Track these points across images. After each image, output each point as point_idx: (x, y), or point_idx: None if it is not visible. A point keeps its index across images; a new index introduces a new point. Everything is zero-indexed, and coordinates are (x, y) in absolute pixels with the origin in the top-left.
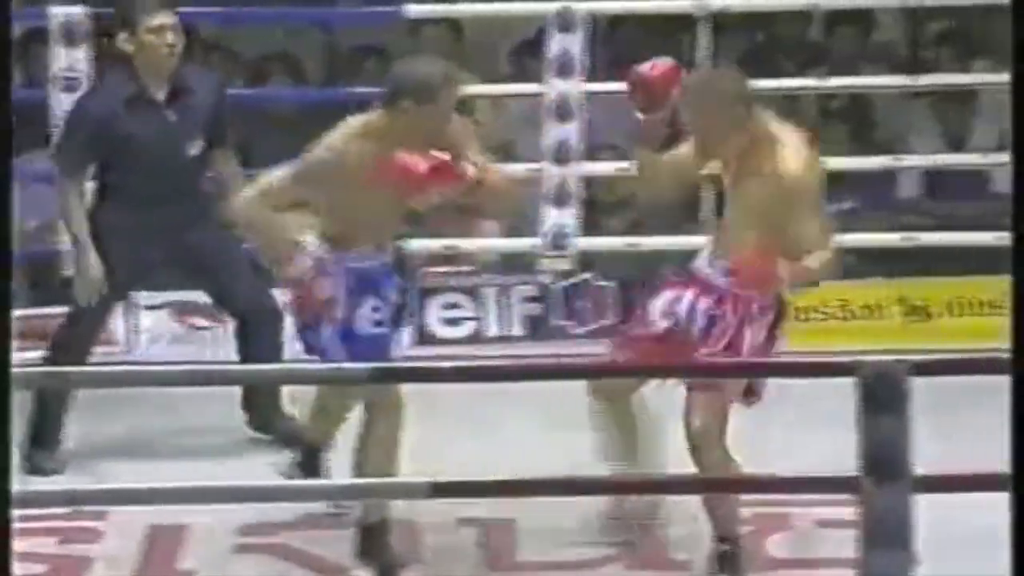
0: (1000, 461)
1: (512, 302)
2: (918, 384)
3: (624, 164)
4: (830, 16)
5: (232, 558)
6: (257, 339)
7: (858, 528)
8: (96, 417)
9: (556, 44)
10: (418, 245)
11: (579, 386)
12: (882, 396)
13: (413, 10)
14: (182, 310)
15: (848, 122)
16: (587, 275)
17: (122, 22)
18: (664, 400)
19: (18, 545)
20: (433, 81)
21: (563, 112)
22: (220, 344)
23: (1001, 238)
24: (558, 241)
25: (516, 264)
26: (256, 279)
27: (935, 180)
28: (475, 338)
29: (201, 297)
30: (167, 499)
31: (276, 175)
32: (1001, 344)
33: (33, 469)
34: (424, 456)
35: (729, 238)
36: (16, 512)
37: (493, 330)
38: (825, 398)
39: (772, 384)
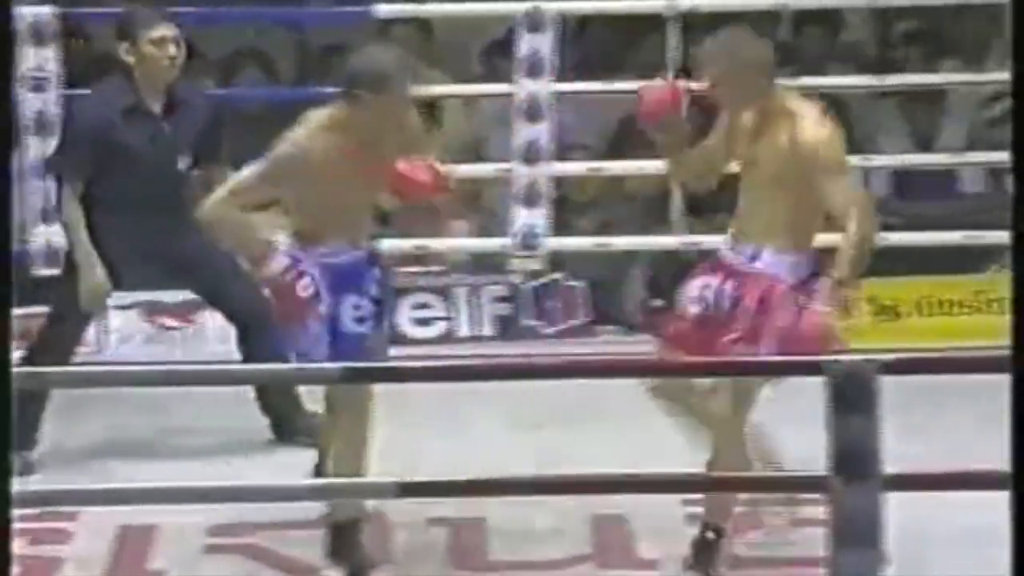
0: (970, 459)
1: (482, 302)
2: (888, 383)
3: (595, 164)
4: (798, 16)
5: (202, 558)
6: (258, 340)
7: (828, 527)
8: (72, 417)
9: (526, 44)
10: (388, 245)
11: (548, 386)
12: (851, 395)
13: (383, 10)
14: (152, 310)
15: None
16: (557, 275)
17: (123, 33)
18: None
19: None
20: (388, 70)
21: (533, 112)
22: (190, 344)
23: (970, 237)
24: (528, 241)
25: (486, 264)
26: (248, 281)
27: (903, 180)
28: (446, 338)
29: (170, 297)
30: (164, 499)
31: (243, 175)
32: (970, 343)
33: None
34: (394, 456)
35: (750, 219)
36: None
37: (464, 330)
38: (795, 397)
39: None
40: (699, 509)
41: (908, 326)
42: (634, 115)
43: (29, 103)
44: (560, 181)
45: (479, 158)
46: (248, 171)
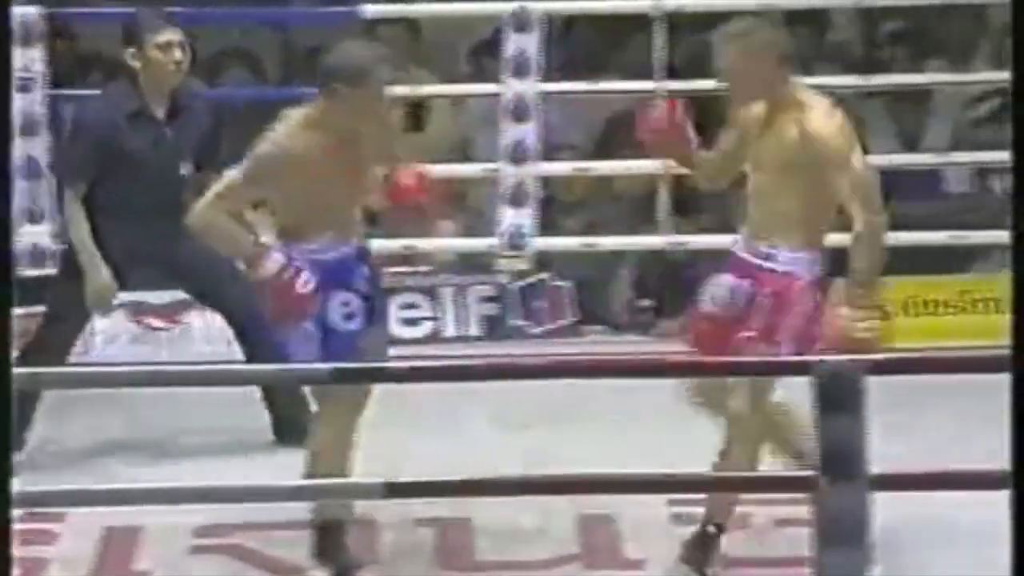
0: (954, 459)
1: (469, 302)
2: (874, 383)
3: (581, 164)
4: (785, 16)
5: (188, 559)
6: (258, 341)
7: (814, 527)
8: (56, 418)
9: (512, 44)
10: (376, 245)
11: (535, 386)
12: (837, 395)
13: (369, 10)
14: (137, 311)
15: None
16: (544, 275)
17: (129, 37)
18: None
19: None
20: (363, 64)
21: (519, 112)
22: (176, 345)
23: (955, 237)
24: (515, 241)
25: (473, 264)
26: (247, 283)
27: (889, 180)
28: (433, 338)
29: (156, 298)
30: (149, 500)
31: (228, 178)
32: (955, 343)
33: None
34: (381, 456)
35: (762, 216)
36: None
37: (450, 330)
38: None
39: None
40: (686, 509)
41: (895, 326)
42: (621, 115)
43: (15, 103)
44: (547, 181)
45: (466, 158)
46: (232, 174)
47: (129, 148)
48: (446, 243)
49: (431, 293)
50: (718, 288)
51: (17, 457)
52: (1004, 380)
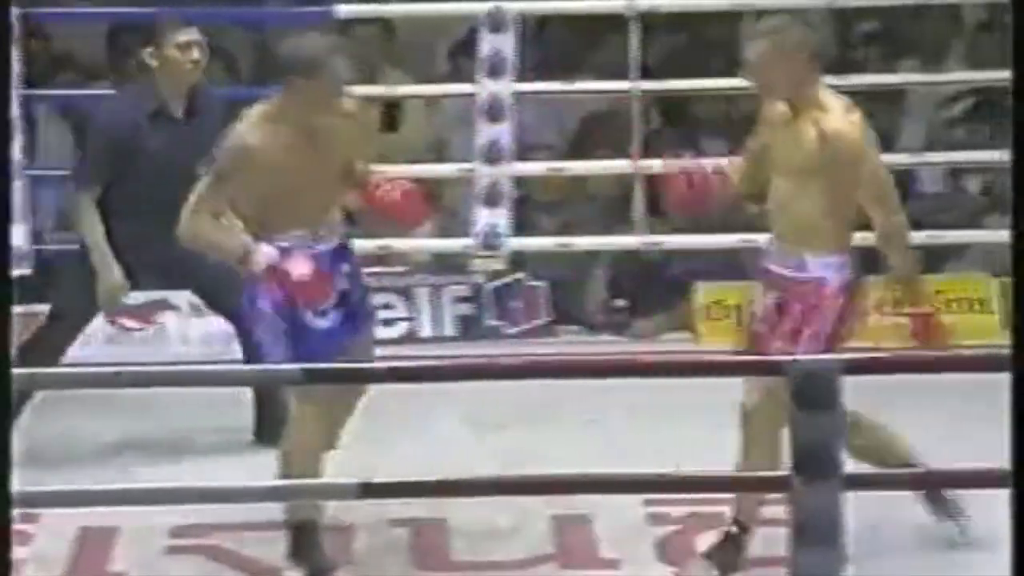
0: (932, 459)
1: (445, 302)
2: (851, 382)
3: (556, 164)
4: (758, 16)
5: (163, 560)
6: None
7: (789, 526)
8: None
9: (487, 44)
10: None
11: (510, 386)
12: (812, 395)
13: (344, 10)
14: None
15: None
16: (519, 275)
17: (147, 37)
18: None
19: None
20: (316, 54)
21: (494, 112)
22: (151, 345)
23: (930, 237)
24: (490, 241)
25: (448, 264)
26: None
27: None
28: (408, 338)
29: (131, 298)
30: (126, 501)
31: (202, 183)
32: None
33: None
34: (356, 456)
35: (786, 221)
36: None
37: (426, 330)
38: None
39: (707, 384)
40: (661, 509)
41: (868, 326)
42: (595, 115)
43: None
44: (523, 181)
45: (441, 158)
46: (205, 178)
47: (148, 147)
48: (421, 243)
49: (406, 293)
50: (759, 309)
51: None
52: (984, 379)
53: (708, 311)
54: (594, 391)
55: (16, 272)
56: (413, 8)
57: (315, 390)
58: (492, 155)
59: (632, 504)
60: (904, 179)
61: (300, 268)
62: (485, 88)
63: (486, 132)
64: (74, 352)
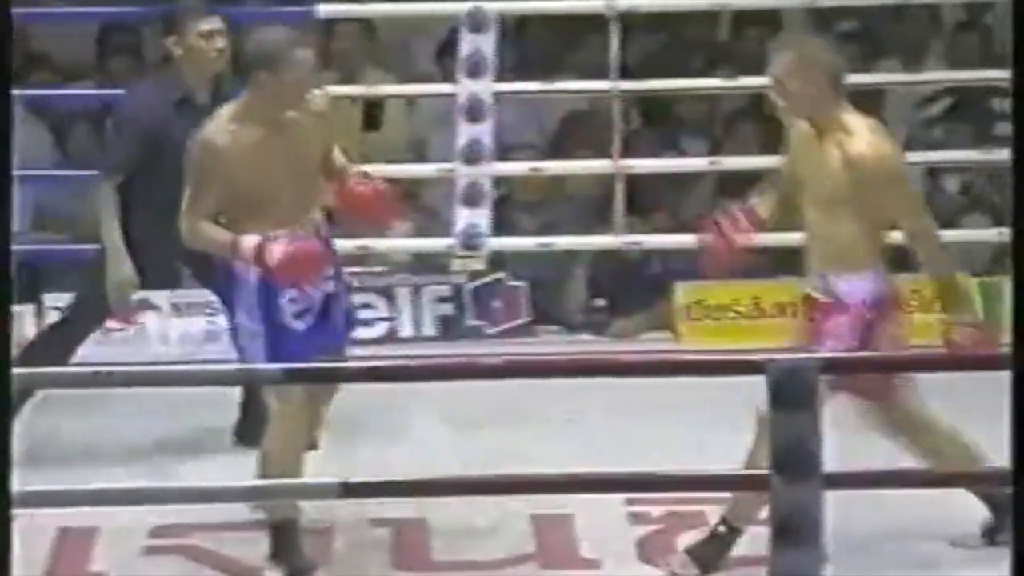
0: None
1: (425, 302)
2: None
3: (536, 164)
4: (737, 16)
5: (143, 560)
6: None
7: (769, 525)
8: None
9: (468, 44)
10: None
11: (490, 386)
12: (792, 394)
13: (324, 9)
14: None
15: (756, 122)
16: (500, 275)
17: (171, 25)
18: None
19: None
20: (279, 47)
21: (474, 112)
22: (132, 345)
23: None
24: (470, 241)
25: (428, 264)
26: None
27: None
28: (388, 338)
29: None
30: (107, 501)
31: (188, 186)
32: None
33: None
34: (336, 456)
35: (817, 243)
36: None
37: (406, 330)
38: (739, 397)
39: (687, 384)
40: (642, 508)
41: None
42: (575, 115)
43: None
44: (503, 181)
45: (421, 158)
46: (187, 181)
47: (175, 135)
48: (401, 243)
49: (387, 293)
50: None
51: None
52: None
53: (688, 311)
54: (574, 391)
55: None
56: (393, 8)
57: (295, 390)
58: (472, 155)
59: (612, 503)
60: None
61: (272, 256)
62: (465, 88)
63: (466, 132)
64: None
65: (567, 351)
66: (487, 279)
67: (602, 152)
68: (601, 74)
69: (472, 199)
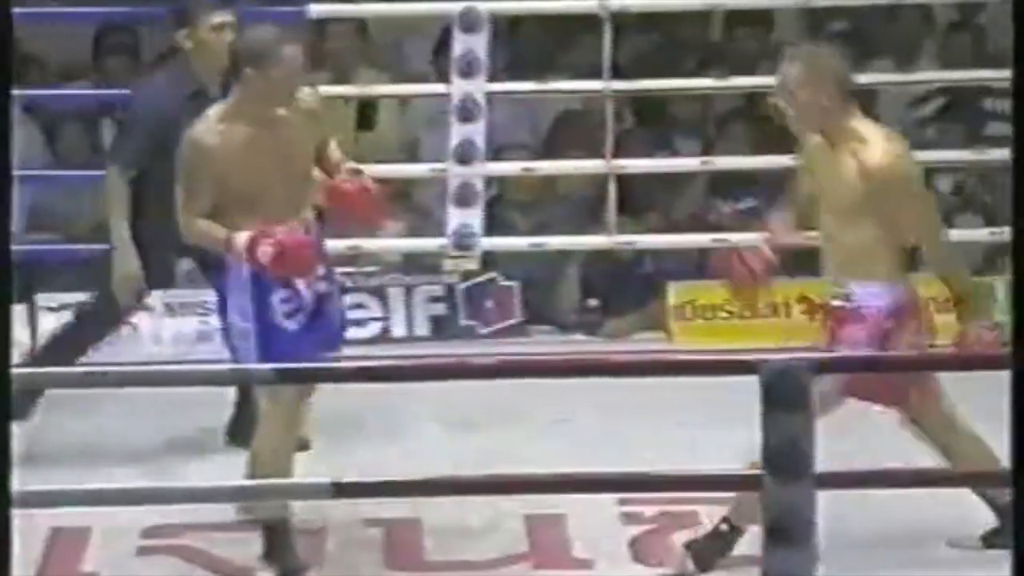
0: (898, 459)
1: (417, 302)
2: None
3: (528, 164)
4: (729, 16)
5: (135, 560)
6: None
7: (761, 526)
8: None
9: (460, 44)
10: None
11: (483, 386)
12: (784, 394)
13: (316, 10)
14: None
15: (748, 122)
16: (492, 275)
17: (182, 19)
18: None
19: None
20: (267, 44)
21: (467, 112)
22: (124, 346)
23: None
24: (463, 241)
25: (420, 264)
26: None
27: None
28: (381, 338)
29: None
30: (97, 502)
31: (181, 185)
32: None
33: None
34: (329, 456)
35: (833, 252)
36: None
37: (399, 331)
38: (731, 396)
39: (680, 384)
40: (635, 508)
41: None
42: (568, 115)
43: None
44: (495, 181)
45: (414, 158)
46: (179, 181)
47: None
48: (394, 243)
49: (379, 293)
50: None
51: None
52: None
53: (680, 311)
54: (566, 391)
55: None
56: (386, 8)
57: (285, 391)
58: (465, 155)
59: (605, 503)
60: None
61: (264, 254)
62: (458, 88)
63: (459, 132)
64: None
65: (560, 351)
66: (479, 279)
67: (595, 152)
68: (594, 74)
69: (465, 199)
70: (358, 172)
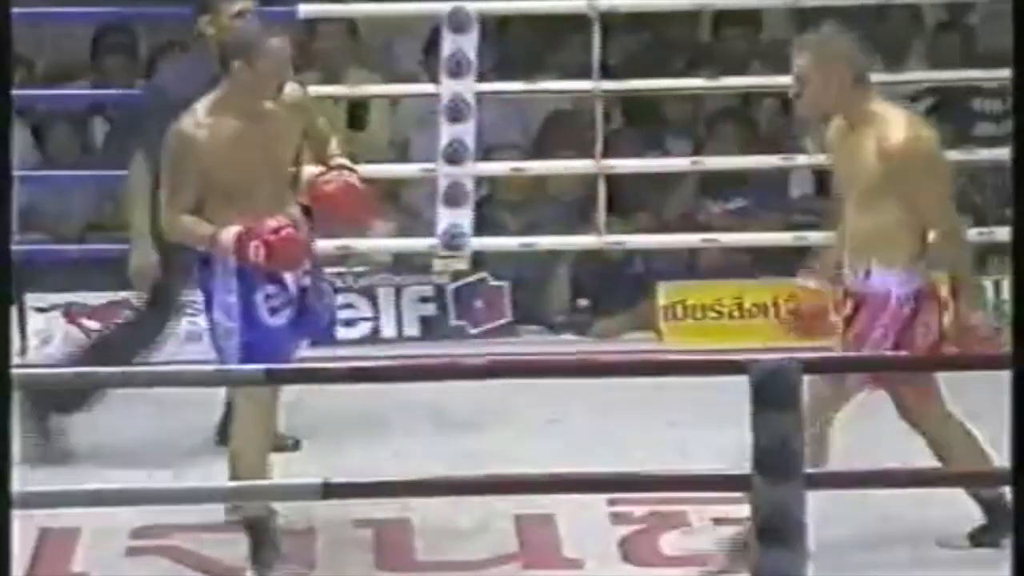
0: (889, 459)
1: (407, 303)
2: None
3: (518, 164)
4: (718, 16)
5: (124, 561)
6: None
7: (751, 526)
8: None
9: (449, 44)
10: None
11: (473, 386)
12: (774, 394)
13: (306, 10)
14: (72, 312)
15: (738, 122)
16: (482, 275)
17: (204, 6)
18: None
19: None
20: (253, 37)
21: (457, 112)
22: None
23: None
24: (452, 241)
25: (410, 264)
26: None
27: (825, 179)
28: (370, 339)
29: (92, 298)
30: (86, 503)
31: (166, 180)
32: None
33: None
34: (318, 456)
35: (854, 234)
36: None
37: (389, 331)
38: (721, 396)
39: (670, 384)
40: (624, 508)
41: (833, 326)
42: (557, 115)
43: None
44: (486, 181)
45: (404, 158)
46: (163, 177)
47: None
48: (384, 243)
49: (369, 294)
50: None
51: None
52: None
53: (670, 311)
54: (556, 391)
55: None
56: (376, 8)
57: (261, 389)
58: (454, 155)
59: (595, 503)
60: None
61: (255, 250)
62: (447, 88)
63: (448, 132)
64: (33, 353)
65: (550, 351)
66: (469, 279)
67: (584, 152)
68: (583, 74)
69: (454, 199)
70: (346, 169)
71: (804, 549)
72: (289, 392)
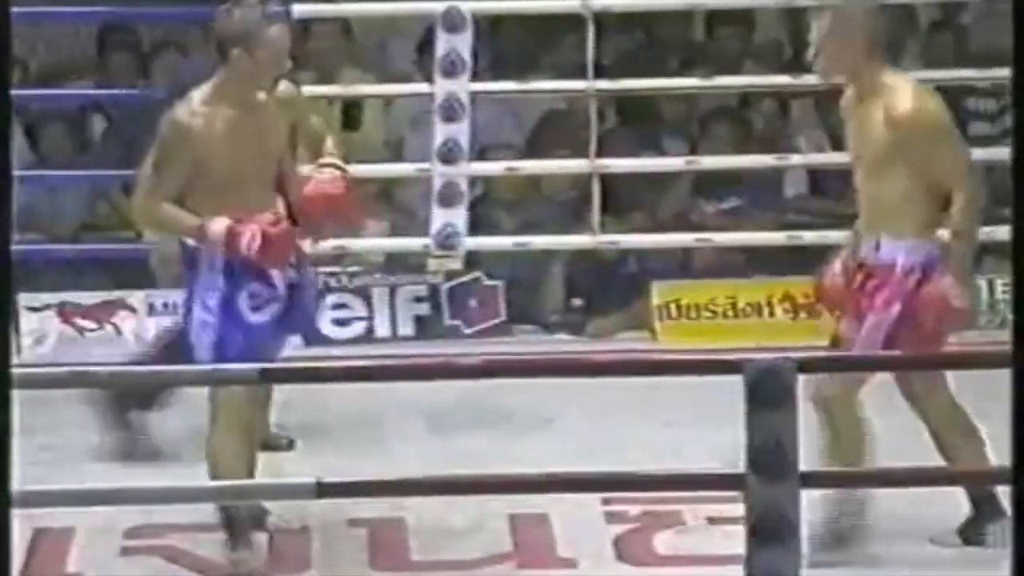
0: (885, 458)
1: (401, 302)
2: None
3: (512, 163)
4: (712, 16)
5: (118, 560)
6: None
7: (746, 524)
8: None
9: (443, 44)
10: (304, 245)
11: (467, 385)
12: (768, 394)
13: (300, 10)
14: (66, 311)
15: (732, 121)
16: (476, 274)
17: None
18: None
19: None
20: (252, 24)
21: (451, 112)
22: (105, 345)
23: None
24: (447, 241)
25: (404, 264)
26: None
27: (818, 178)
28: (364, 338)
29: (86, 298)
30: (78, 502)
31: (147, 170)
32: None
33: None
34: (314, 456)
35: (867, 205)
36: None
37: (383, 330)
38: (715, 396)
39: (664, 383)
40: (619, 508)
41: (824, 324)
42: (552, 114)
43: None
44: (480, 180)
45: (398, 157)
46: (148, 165)
47: None
48: (378, 243)
49: (363, 293)
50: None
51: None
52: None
53: (664, 310)
54: (551, 390)
55: None
56: (370, 8)
57: (235, 389)
58: (449, 155)
59: (589, 503)
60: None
61: (247, 244)
62: (441, 88)
63: (442, 132)
64: (26, 353)
65: (544, 351)
66: (463, 279)
67: (579, 152)
68: (577, 73)
69: (448, 199)
70: (336, 168)
71: (798, 548)
72: (283, 391)
